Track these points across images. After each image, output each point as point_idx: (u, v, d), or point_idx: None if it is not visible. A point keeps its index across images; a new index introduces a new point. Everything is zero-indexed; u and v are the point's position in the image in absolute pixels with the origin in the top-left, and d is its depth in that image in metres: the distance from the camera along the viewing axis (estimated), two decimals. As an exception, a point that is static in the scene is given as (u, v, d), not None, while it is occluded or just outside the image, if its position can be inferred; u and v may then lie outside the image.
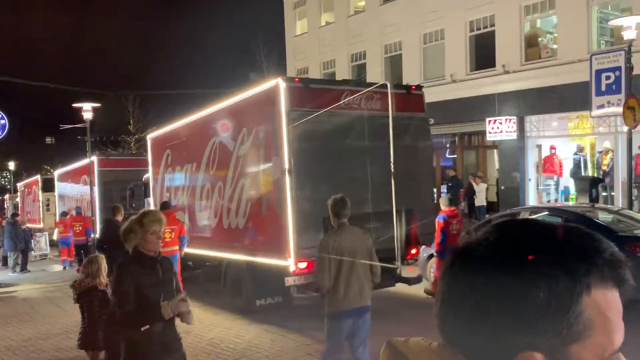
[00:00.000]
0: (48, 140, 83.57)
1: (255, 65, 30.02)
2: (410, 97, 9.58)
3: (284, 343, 7.50)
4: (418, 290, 10.01)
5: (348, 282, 5.16)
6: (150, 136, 13.97)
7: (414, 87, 9.95)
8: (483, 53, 18.78)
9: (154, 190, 13.27)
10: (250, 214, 9.09)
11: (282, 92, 8.15)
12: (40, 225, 25.05)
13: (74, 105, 19.99)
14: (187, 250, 10.71)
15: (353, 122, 8.57)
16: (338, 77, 25.00)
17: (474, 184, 17.72)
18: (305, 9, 27.33)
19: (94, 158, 18.52)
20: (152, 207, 12.30)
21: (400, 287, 9.40)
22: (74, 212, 17.89)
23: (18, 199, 33.54)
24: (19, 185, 35.61)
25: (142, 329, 3.56)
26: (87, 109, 19.18)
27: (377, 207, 8.42)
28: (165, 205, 10.93)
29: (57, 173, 24.68)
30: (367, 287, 5.33)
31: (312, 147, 8.22)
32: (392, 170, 8.50)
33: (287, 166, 8.02)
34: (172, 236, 10.13)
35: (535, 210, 10.62)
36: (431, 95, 20.14)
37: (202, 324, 8.73)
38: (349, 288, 5.16)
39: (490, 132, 17.50)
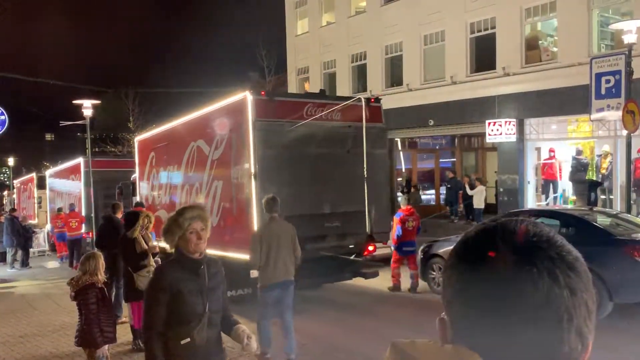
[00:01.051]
0: (48, 136, 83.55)
1: (255, 64, 30.04)
2: (369, 108, 10.21)
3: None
4: (382, 285, 10.89)
5: (275, 261, 6.63)
6: (137, 138, 14.95)
7: (373, 100, 10.63)
8: (483, 55, 18.79)
9: (141, 189, 14.11)
10: (222, 213, 9.85)
11: (249, 104, 9.03)
12: (35, 221, 25.55)
13: (74, 102, 20.02)
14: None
15: (314, 131, 9.40)
16: (338, 78, 25.04)
17: (466, 186, 17.90)
18: (306, 8, 27.34)
19: (81, 159, 19.76)
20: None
21: (369, 283, 10.52)
22: (67, 210, 18.49)
23: (14, 196, 33.92)
24: (16, 182, 36.17)
25: (182, 342, 3.15)
26: (87, 106, 19.19)
27: (335, 208, 9.46)
28: (137, 204, 11.66)
29: (48, 172, 26.04)
30: (290, 266, 6.77)
31: (276, 154, 9.10)
32: (365, 175, 9.73)
33: (253, 170, 8.90)
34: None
35: (533, 213, 10.66)
36: (431, 97, 20.23)
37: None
38: (276, 266, 6.64)
39: (489, 134, 17.52)
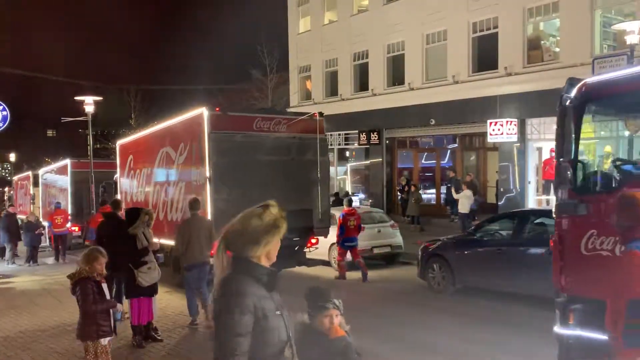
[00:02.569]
0: (49, 132, 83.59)
1: (257, 62, 30.01)
2: (312, 121, 11.86)
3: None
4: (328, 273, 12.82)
5: (194, 248, 8.41)
6: (118, 143, 16.79)
7: (316, 115, 12.06)
8: (486, 55, 18.79)
9: (121, 188, 15.66)
10: (184, 210, 10.79)
11: (205, 118, 10.63)
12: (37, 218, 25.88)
13: (76, 98, 20.02)
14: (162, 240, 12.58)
15: (263, 141, 11.07)
16: (340, 76, 25.04)
17: (452, 189, 17.89)
18: (308, 7, 27.32)
19: (68, 160, 21.80)
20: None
21: (315, 271, 12.57)
22: (52, 207, 19.58)
23: (12, 192, 34.55)
24: (14, 178, 36.67)
25: None
26: (89, 102, 19.22)
27: (280, 206, 10.39)
28: (102, 203, 14.02)
29: (40, 171, 27.56)
30: (206, 251, 8.45)
31: (228, 160, 10.62)
32: (319, 177, 11.65)
33: (208, 174, 10.50)
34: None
35: (533, 213, 10.67)
36: (433, 96, 20.21)
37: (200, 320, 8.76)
38: (194, 251, 8.41)
39: (491, 134, 17.52)
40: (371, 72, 23.44)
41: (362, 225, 12.55)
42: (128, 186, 15.11)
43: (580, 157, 5.15)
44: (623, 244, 3.80)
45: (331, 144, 23.67)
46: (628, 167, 5.09)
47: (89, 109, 19.22)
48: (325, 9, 26.48)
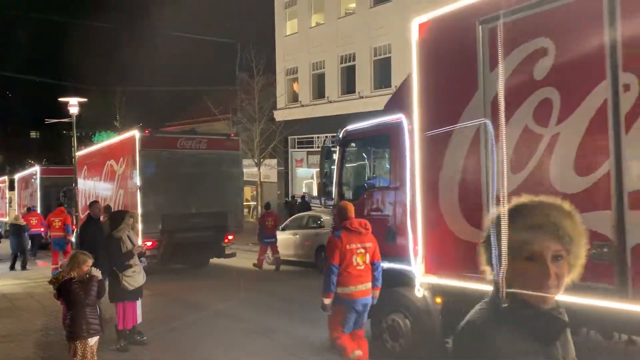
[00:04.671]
0: (33, 134, 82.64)
1: (244, 64, 29.90)
2: (229, 141, 14.84)
3: (266, 342, 7.50)
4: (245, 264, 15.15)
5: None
6: (77, 154, 19.60)
7: (232, 135, 15.78)
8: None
9: (78, 194, 18.46)
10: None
11: (137, 138, 13.37)
12: (6, 219, 27.18)
13: (60, 99, 19.79)
14: None
15: (186, 157, 13.80)
16: (327, 78, 25.07)
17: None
18: (295, 9, 27.33)
19: (37, 167, 24.70)
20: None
21: (235, 262, 15.10)
22: (25, 210, 21.07)
23: None
24: None
25: None
26: (74, 104, 19.00)
27: (199, 209, 13.69)
28: (59, 204, 17.73)
29: (16, 176, 30.28)
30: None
31: (156, 172, 13.25)
32: (233, 186, 14.48)
33: (139, 184, 13.13)
34: (60, 224, 15.55)
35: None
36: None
37: (183, 321, 8.71)
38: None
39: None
40: (358, 75, 23.49)
41: (279, 225, 15.23)
42: (83, 192, 18.55)
43: (348, 177, 7.80)
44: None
45: (318, 146, 23.66)
46: (371, 181, 7.41)
47: (73, 110, 19.01)
48: (313, 12, 26.51)
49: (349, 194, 7.50)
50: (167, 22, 53.88)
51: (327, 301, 5.75)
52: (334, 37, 24.62)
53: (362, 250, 5.80)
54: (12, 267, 16.80)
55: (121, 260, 7.29)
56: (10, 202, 29.59)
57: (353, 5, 24.25)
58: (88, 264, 5.56)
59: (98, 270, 5.64)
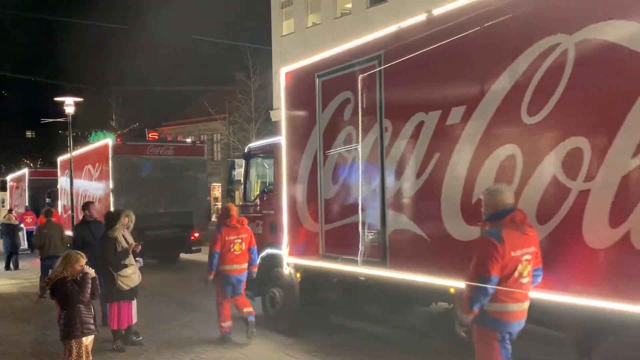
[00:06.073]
0: (28, 134, 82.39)
1: (241, 64, 29.92)
2: (195, 148, 16.81)
3: (264, 343, 7.50)
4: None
5: (50, 244, 11.09)
6: (59, 159, 21.49)
7: (198, 142, 18.09)
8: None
9: (61, 194, 20.52)
10: (99, 211, 13.99)
11: (109, 146, 15.22)
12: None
13: (55, 99, 19.75)
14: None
15: (155, 162, 15.41)
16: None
17: None
18: (292, 9, 27.35)
19: (26, 170, 26.70)
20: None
21: (199, 256, 15.36)
22: (18, 209, 23.30)
23: None
24: None
25: None
26: (69, 104, 18.96)
27: (167, 209, 15.24)
28: (50, 205, 19.20)
29: (8, 177, 32.14)
30: (60, 247, 10.93)
31: (126, 176, 14.94)
32: (198, 189, 16.05)
33: (111, 186, 14.87)
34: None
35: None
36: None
37: (179, 322, 8.71)
38: (51, 246, 11.08)
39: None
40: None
41: None
42: (65, 193, 20.26)
43: (251, 184, 9.36)
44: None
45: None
46: (269, 187, 8.94)
47: (69, 110, 18.98)
48: (309, 12, 26.53)
49: (250, 196, 9.30)
50: (163, 22, 53.76)
51: (210, 277, 7.61)
52: (330, 38, 24.62)
53: (239, 240, 7.60)
54: (7, 267, 16.75)
55: (116, 259, 7.28)
56: (3, 203, 31.23)
57: (349, 5, 24.27)
58: (81, 263, 5.54)
59: (91, 268, 5.63)
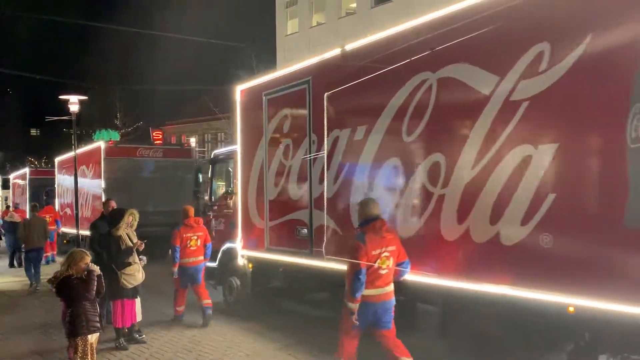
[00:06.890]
0: (33, 132, 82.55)
1: (245, 63, 29.91)
2: (183, 150, 18.07)
3: (265, 342, 7.51)
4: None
5: (32, 236, 12.60)
6: (56, 159, 22.78)
7: (186, 145, 19.28)
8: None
9: (58, 193, 21.96)
10: (91, 210, 16.80)
11: (102, 149, 16.55)
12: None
13: (60, 97, 19.77)
14: (73, 230, 18.19)
15: (144, 164, 16.75)
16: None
17: None
18: (296, 9, 27.37)
19: (27, 169, 28.23)
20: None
21: None
22: (11, 207, 24.01)
23: None
24: None
25: None
26: (74, 102, 18.97)
27: (156, 207, 15.75)
28: (47, 202, 20.99)
29: (10, 176, 33.62)
30: (42, 239, 12.89)
31: (117, 176, 16.23)
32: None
33: (103, 186, 16.23)
34: (51, 220, 16.90)
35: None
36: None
37: (182, 322, 8.71)
38: (34, 239, 12.64)
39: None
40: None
41: None
42: (61, 191, 21.65)
43: (216, 186, 10.82)
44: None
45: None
46: (231, 189, 10.11)
47: (74, 108, 19.00)
48: (313, 11, 26.53)
49: (215, 196, 10.53)
50: (168, 21, 53.77)
51: (175, 270, 8.66)
52: (334, 37, 24.61)
53: (195, 237, 8.68)
54: (12, 264, 16.82)
55: (120, 257, 7.30)
56: (6, 200, 32.80)
57: (354, 5, 24.27)
58: (85, 260, 5.56)
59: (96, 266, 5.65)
